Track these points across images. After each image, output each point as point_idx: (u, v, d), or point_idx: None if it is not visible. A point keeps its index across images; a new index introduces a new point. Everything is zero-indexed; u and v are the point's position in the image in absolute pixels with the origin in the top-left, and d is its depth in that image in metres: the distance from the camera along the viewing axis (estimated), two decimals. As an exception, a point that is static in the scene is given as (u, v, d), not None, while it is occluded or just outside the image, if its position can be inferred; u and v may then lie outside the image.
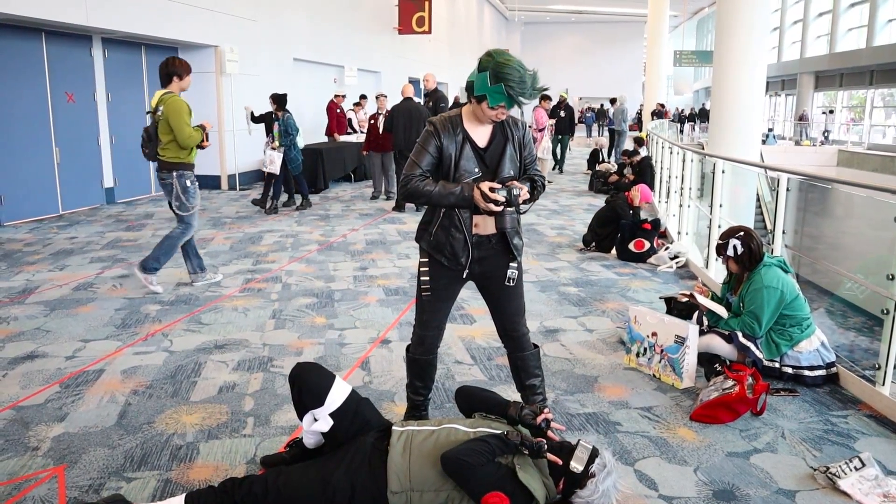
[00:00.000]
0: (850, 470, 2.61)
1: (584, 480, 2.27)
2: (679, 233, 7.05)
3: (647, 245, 6.39)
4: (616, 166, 12.47)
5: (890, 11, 23.49)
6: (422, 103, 9.70)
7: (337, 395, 2.40)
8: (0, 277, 5.59)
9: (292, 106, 9.55)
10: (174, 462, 2.73)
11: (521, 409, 2.40)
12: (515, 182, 2.57)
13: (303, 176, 9.47)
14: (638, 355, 3.73)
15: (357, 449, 2.34)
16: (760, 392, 3.15)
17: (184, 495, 2.30)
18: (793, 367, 3.54)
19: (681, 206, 7.15)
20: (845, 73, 27.08)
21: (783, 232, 4.29)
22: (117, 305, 4.83)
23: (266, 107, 9.65)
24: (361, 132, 13.38)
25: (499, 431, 2.31)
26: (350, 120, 14.01)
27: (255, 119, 9.71)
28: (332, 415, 2.38)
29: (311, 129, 13.88)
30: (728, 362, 3.52)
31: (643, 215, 6.86)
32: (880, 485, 2.54)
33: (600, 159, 14.81)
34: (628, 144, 14.58)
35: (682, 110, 35.82)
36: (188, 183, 5.03)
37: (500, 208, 2.52)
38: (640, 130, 22.82)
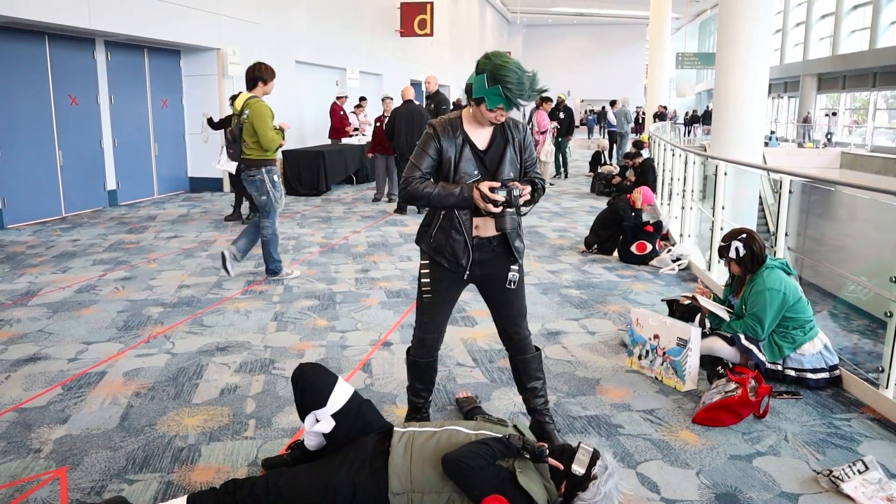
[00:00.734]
0: (854, 473, 2.60)
1: (585, 483, 2.27)
2: (681, 235, 7.04)
3: (650, 247, 6.37)
4: (618, 168, 12.46)
5: (893, 13, 23.48)
6: (423, 106, 9.70)
7: (340, 396, 2.40)
8: (3, 280, 5.60)
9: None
10: (176, 464, 2.73)
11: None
12: (516, 182, 2.56)
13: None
14: (640, 358, 3.72)
15: (358, 450, 2.34)
16: (763, 395, 3.14)
17: (185, 497, 2.31)
18: (796, 369, 3.53)
19: (683, 208, 7.14)
20: (848, 75, 27.08)
21: (786, 234, 4.28)
22: (119, 308, 4.84)
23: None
24: (362, 135, 13.39)
25: (500, 434, 2.31)
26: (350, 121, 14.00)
27: (215, 125, 8.73)
28: (334, 416, 2.38)
29: (312, 132, 13.91)
30: (730, 365, 3.51)
31: (645, 217, 6.84)
32: (884, 488, 2.53)
33: (602, 161, 14.77)
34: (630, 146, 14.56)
35: (688, 112, 35.78)
36: (276, 178, 5.42)
37: (499, 209, 2.51)
38: (638, 133, 22.71)
